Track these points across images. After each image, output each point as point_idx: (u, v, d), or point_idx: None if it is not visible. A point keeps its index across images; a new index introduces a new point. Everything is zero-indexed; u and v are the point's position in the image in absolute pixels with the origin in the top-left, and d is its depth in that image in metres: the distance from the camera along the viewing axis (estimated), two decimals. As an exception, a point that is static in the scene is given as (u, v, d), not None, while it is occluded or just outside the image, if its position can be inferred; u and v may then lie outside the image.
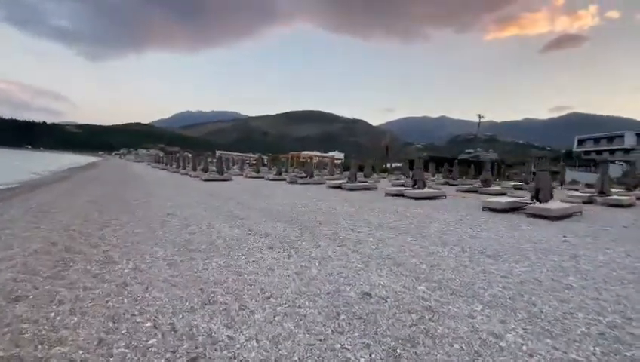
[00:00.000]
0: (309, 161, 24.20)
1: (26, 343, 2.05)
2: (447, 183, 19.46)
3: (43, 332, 2.17)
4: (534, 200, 8.38)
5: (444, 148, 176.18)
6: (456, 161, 23.08)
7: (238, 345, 2.13)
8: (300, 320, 2.48)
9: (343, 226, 6.06)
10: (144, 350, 2.05)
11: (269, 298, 2.85)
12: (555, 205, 7.77)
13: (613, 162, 33.72)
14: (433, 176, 24.73)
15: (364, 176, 20.31)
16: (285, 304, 2.75)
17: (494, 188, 14.23)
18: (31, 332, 2.16)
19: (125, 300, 2.66)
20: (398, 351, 2.13)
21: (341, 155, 70.86)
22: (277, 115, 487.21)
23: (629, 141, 51.62)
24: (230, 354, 2.04)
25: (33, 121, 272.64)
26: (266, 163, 41.63)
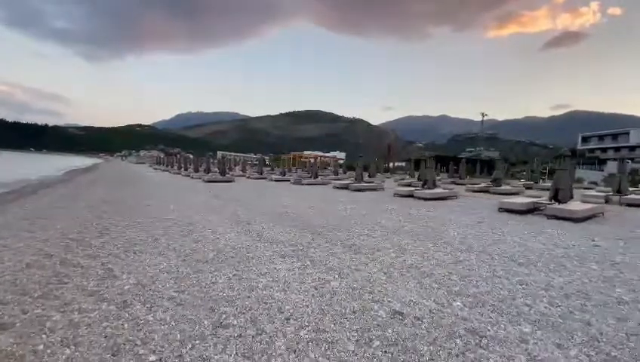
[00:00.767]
0: (312, 160, 23.86)
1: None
2: (453, 183, 19.07)
3: (29, 370, 1.84)
4: (553, 201, 8.02)
5: (445, 147, 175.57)
6: (463, 159, 22.68)
7: (259, 384, 1.79)
8: (329, 348, 2.14)
9: (355, 231, 5.72)
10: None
11: (288, 319, 2.51)
12: (577, 206, 7.40)
13: (631, 160, 33.21)
14: (437, 175, 24.34)
15: (369, 176, 19.95)
16: (308, 326, 2.41)
17: (505, 187, 13.84)
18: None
19: (126, 325, 2.32)
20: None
21: (342, 155, 70.50)
22: (277, 115, 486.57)
23: (635, 138, 51.06)
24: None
25: (36, 124, 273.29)
26: (267, 163, 41.26)
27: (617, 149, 51.73)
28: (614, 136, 55.64)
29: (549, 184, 17.90)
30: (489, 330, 2.40)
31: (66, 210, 7.17)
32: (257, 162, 27.17)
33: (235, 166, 34.12)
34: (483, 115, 51.70)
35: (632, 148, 48.85)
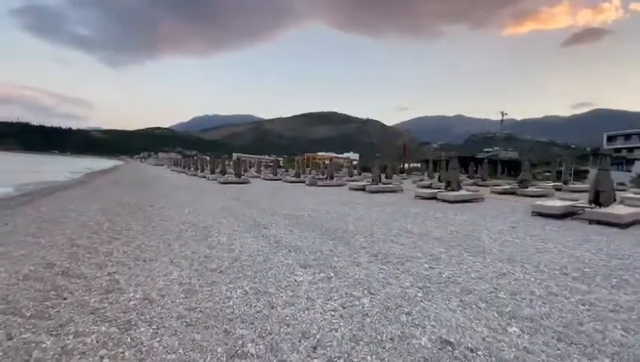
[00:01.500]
0: (327, 162, 23.51)
1: None
2: (475, 184, 18.27)
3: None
4: (593, 204, 7.35)
5: (461, 148, 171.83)
6: (485, 160, 21.79)
7: None
8: (368, 391, 1.74)
9: (379, 236, 5.29)
10: None
11: (315, 348, 2.13)
12: (622, 210, 6.73)
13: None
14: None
15: (386, 178, 19.37)
16: (339, 359, 2.02)
17: (533, 189, 13.06)
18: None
19: (127, 354, 1.98)
20: None
21: (356, 156, 69.76)
22: (291, 116, 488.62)
23: (665, 137, 48.26)
24: None
25: (60, 127, 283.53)
26: (281, 164, 41.19)
27: (646, 148, 49.04)
28: (642, 135, 52.78)
29: (578, 185, 17.00)
30: (563, 369, 1.95)
31: (79, 213, 7.02)
32: (272, 163, 27.02)
33: (250, 167, 34.15)
34: (503, 113, 49.98)
35: (663, 148, 46.17)
